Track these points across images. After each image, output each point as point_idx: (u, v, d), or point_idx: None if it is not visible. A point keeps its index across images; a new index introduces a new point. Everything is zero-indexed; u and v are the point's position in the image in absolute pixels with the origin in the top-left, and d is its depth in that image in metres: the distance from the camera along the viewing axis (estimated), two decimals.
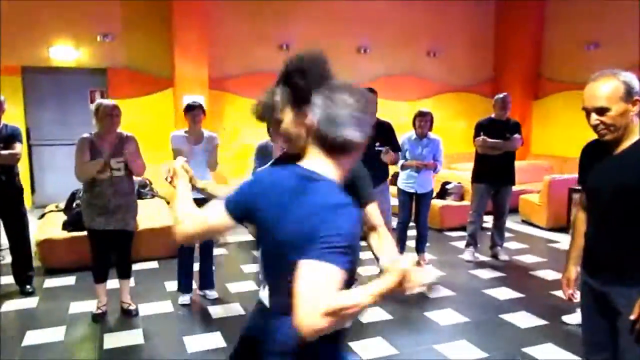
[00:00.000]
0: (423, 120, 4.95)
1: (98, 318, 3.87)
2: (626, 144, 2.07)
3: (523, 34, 9.49)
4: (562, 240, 6.21)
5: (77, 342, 3.58)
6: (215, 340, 3.55)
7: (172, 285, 4.61)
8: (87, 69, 7.81)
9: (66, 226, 5.17)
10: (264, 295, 1.61)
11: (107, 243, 3.83)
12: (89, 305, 4.09)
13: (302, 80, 1.59)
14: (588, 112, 2.11)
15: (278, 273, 1.47)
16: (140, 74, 8.01)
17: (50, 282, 4.67)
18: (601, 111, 2.05)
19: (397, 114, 8.91)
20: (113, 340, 3.54)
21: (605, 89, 2.04)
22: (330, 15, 8.83)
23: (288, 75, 1.66)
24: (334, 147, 1.44)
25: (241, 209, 1.54)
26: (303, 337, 1.24)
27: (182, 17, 7.64)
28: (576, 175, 6.50)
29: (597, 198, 2.18)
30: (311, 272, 1.27)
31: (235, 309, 4.13)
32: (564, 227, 6.57)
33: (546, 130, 9.46)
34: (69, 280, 4.74)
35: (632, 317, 1.98)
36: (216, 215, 1.57)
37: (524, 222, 7.03)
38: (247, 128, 8.09)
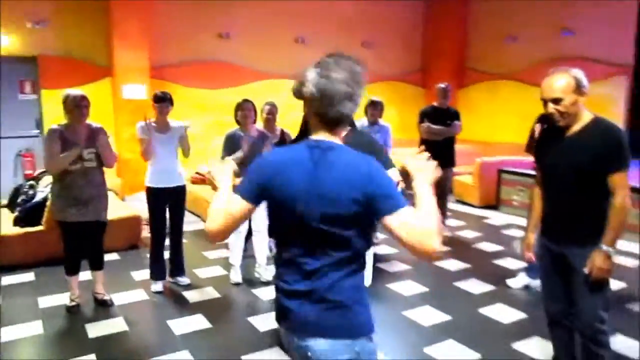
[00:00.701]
0: (375, 109, 5.31)
1: (73, 310, 3.87)
2: (576, 128, 2.49)
3: (449, 28, 10.16)
4: (493, 217, 6.89)
5: (59, 333, 3.58)
6: (199, 322, 3.70)
7: (139, 275, 4.66)
8: (16, 57, 7.42)
9: (18, 222, 5.01)
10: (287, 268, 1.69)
11: (79, 235, 3.83)
12: (59, 299, 4.07)
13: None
14: (545, 102, 2.50)
15: (326, 231, 1.57)
16: (75, 62, 7.70)
17: (8, 280, 4.54)
18: (556, 101, 2.45)
19: None
20: (96, 330, 3.57)
21: (559, 83, 2.44)
22: (269, 5, 8.95)
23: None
24: (333, 121, 1.64)
25: (257, 192, 1.66)
26: (432, 260, 1.58)
27: (121, 3, 7.46)
28: (503, 157, 7.20)
29: (553, 174, 2.60)
30: (404, 221, 1.51)
31: (210, 292, 4.28)
32: (494, 205, 7.28)
33: (470, 117, 10.17)
34: (28, 276, 4.63)
35: (585, 271, 2.43)
36: (237, 206, 1.65)
37: (458, 201, 7.66)
38: (188, 118, 8.07)
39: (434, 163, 1.77)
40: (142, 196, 5.93)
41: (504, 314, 3.81)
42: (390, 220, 1.53)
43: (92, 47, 7.72)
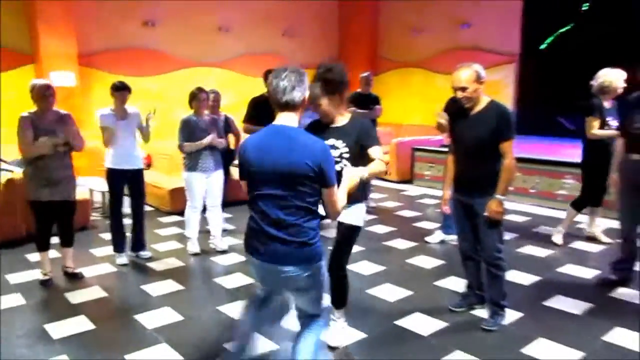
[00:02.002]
0: None
1: (47, 283, 4.19)
2: (477, 109, 3.31)
3: (363, 20, 11.03)
4: (409, 189, 7.88)
5: (42, 302, 3.91)
6: (171, 285, 4.19)
7: (99, 252, 5.03)
8: None
9: None
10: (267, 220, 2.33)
11: (51, 213, 4.16)
12: (28, 275, 4.37)
13: (331, 77, 2.68)
14: (455, 90, 3.30)
15: (291, 192, 2.25)
16: None
17: None
18: (463, 89, 3.25)
19: (257, 89, 9.79)
20: (77, 297, 3.95)
21: (465, 75, 3.25)
22: None
23: (322, 75, 2.71)
24: (288, 106, 2.31)
25: (244, 173, 2.39)
26: (333, 218, 2.40)
27: None
28: (415, 137, 8.20)
29: (462, 144, 3.42)
30: (334, 191, 2.30)
31: (173, 262, 4.75)
32: (409, 179, 8.27)
33: (385, 102, 11.11)
34: None
35: (485, 214, 3.28)
36: (244, 185, 2.44)
37: (378, 177, 8.57)
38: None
39: (360, 173, 2.66)
40: (85, 181, 6.19)
41: (426, 262, 4.68)
42: (325, 189, 2.29)
43: (12, 32, 7.55)
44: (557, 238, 5.13)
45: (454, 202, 3.55)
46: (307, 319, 2.54)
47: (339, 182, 2.39)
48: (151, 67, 9.10)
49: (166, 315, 3.63)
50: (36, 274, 4.33)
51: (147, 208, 6.35)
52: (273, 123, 2.35)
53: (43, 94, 3.97)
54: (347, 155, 2.90)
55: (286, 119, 2.32)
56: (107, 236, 5.50)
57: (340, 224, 3.03)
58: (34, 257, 4.79)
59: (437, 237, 5.26)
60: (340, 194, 2.38)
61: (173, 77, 9.45)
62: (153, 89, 8.96)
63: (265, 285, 2.53)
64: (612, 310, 3.63)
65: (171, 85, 9.43)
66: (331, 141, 2.87)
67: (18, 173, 5.43)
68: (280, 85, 2.28)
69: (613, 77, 4.46)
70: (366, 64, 11.09)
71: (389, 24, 11.07)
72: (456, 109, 3.46)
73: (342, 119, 3.00)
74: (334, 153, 2.84)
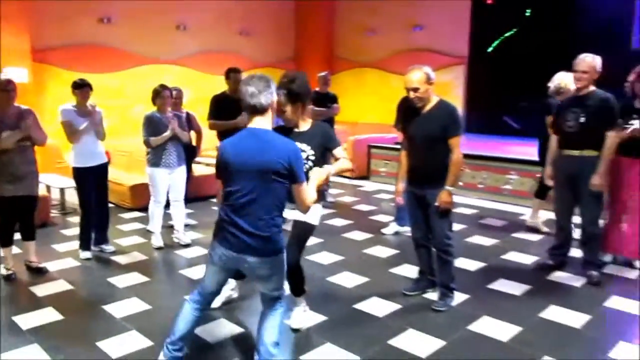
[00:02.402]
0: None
1: (11, 278, 4.21)
2: (428, 108, 3.60)
3: (318, 21, 11.28)
4: (366, 185, 8.19)
5: (8, 296, 3.93)
6: (137, 277, 4.29)
7: (62, 247, 5.06)
8: None
9: None
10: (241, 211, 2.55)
11: (14, 209, 4.18)
12: None
13: (294, 88, 2.95)
14: (407, 90, 3.58)
15: (262, 191, 2.49)
16: None
17: None
18: (415, 90, 3.53)
19: (214, 87, 9.88)
20: (43, 290, 4.00)
21: (416, 77, 3.53)
22: None
23: (286, 85, 2.96)
24: (257, 110, 2.55)
25: (221, 171, 2.62)
26: (304, 211, 2.61)
27: None
28: (371, 135, 8.50)
29: (414, 140, 3.70)
30: (304, 187, 2.54)
31: (137, 255, 4.84)
32: (365, 176, 8.59)
33: (342, 101, 11.36)
34: None
35: (436, 204, 3.58)
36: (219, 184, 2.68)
37: (339, 175, 8.83)
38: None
39: (327, 170, 2.93)
40: (43, 178, 6.14)
41: (382, 252, 4.97)
42: (296, 186, 2.55)
43: None
44: (539, 225, 5.55)
45: (408, 194, 3.83)
46: (271, 302, 2.75)
47: (307, 180, 2.64)
48: (108, 64, 9.04)
49: (134, 305, 3.75)
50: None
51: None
52: (248, 126, 2.58)
53: (4, 89, 4.00)
54: (312, 158, 3.13)
55: (259, 122, 2.56)
56: (69, 232, 5.57)
57: (297, 221, 3.25)
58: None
59: (391, 228, 5.57)
60: (310, 190, 2.63)
61: (130, 74, 9.41)
62: (110, 86, 8.89)
63: (221, 272, 2.70)
64: (548, 291, 4.01)
65: (129, 82, 9.38)
66: (297, 145, 3.08)
67: None
68: (249, 90, 2.53)
69: (568, 80, 4.81)
70: (322, 63, 11.32)
71: (344, 25, 11.37)
72: (408, 108, 3.74)
73: (305, 124, 3.21)
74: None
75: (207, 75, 10.22)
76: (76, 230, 5.35)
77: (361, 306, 3.73)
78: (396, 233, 5.51)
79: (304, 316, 3.45)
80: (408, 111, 3.78)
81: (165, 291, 4.12)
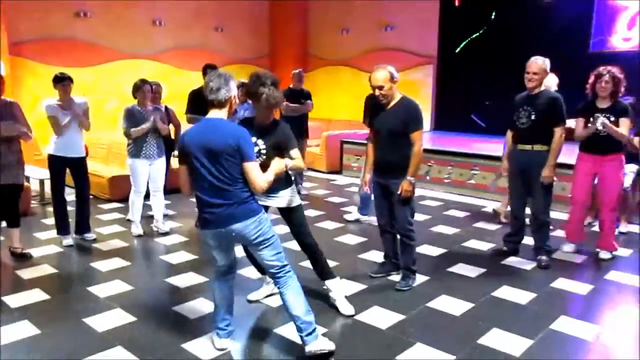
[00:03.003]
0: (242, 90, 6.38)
1: None
2: (392, 104, 3.92)
3: (293, 19, 11.51)
4: (338, 179, 8.51)
5: None
6: (118, 262, 4.51)
7: (43, 235, 5.25)
8: None
9: None
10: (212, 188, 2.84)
11: (0, 196, 4.36)
12: None
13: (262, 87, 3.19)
14: (373, 88, 3.88)
15: (220, 167, 2.78)
16: None
17: None
18: (380, 88, 3.84)
19: (189, 83, 10.10)
20: (28, 274, 4.21)
21: (380, 75, 3.83)
22: None
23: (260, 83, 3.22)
24: (213, 102, 2.84)
25: (182, 154, 2.90)
26: (258, 192, 2.86)
27: None
28: (344, 131, 8.78)
29: (379, 134, 4.02)
30: (252, 167, 2.80)
31: (117, 243, 5.05)
32: (338, 170, 8.90)
33: (315, 98, 11.62)
34: None
35: (398, 192, 3.90)
36: (182, 171, 2.96)
37: (310, 169, 9.13)
38: (50, 96, 8.26)
39: (285, 162, 3.19)
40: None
41: (351, 239, 5.29)
42: (245, 164, 2.80)
43: None
44: (502, 214, 5.93)
45: (374, 183, 4.15)
46: (277, 276, 3.00)
47: (265, 169, 2.96)
48: (84, 59, 9.13)
49: (117, 286, 3.98)
50: None
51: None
52: (206, 117, 2.88)
53: None
54: (263, 152, 3.34)
55: (215, 114, 2.87)
56: (49, 221, 5.73)
57: (282, 211, 3.57)
58: None
59: (353, 215, 5.92)
60: (267, 175, 2.93)
61: (106, 69, 9.52)
62: (86, 80, 8.99)
63: (222, 250, 3.00)
64: (501, 274, 4.38)
65: (104, 76, 9.49)
66: (253, 139, 3.26)
67: None
68: (210, 85, 2.84)
69: (549, 81, 5.16)
70: (296, 61, 11.58)
71: (318, 24, 11.65)
72: (374, 105, 4.06)
73: (268, 122, 3.41)
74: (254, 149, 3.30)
75: (182, 70, 10.40)
76: (52, 220, 5.54)
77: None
78: (357, 220, 5.86)
79: (344, 302, 3.64)
80: (374, 107, 4.09)
81: (146, 274, 4.36)
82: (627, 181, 5.53)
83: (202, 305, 3.68)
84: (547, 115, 4.35)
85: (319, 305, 3.64)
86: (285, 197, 3.50)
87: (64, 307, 3.65)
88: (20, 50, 8.33)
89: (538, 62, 4.39)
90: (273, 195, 3.45)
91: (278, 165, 3.09)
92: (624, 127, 4.50)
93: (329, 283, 3.70)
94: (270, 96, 3.22)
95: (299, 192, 7.38)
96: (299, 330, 2.98)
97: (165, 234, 5.32)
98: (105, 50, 9.46)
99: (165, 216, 5.76)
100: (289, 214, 3.59)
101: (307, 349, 2.95)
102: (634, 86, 6.52)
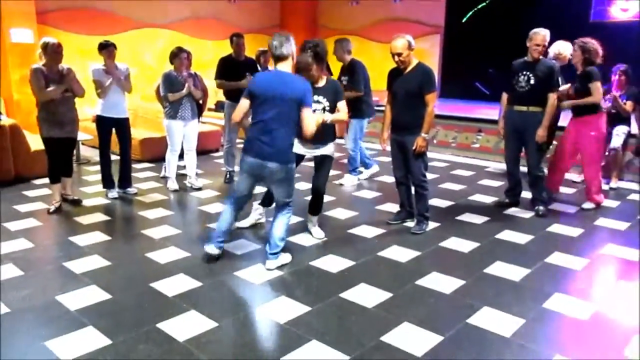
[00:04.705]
0: (265, 56, 6.82)
1: (57, 210, 4.95)
2: (409, 69, 4.40)
3: None
4: None
5: (59, 223, 4.73)
6: (162, 212, 5.05)
7: (88, 189, 5.77)
8: None
9: None
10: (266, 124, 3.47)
11: (59, 149, 4.90)
12: (33, 206, 5.11)
13: (319, 51, 3.79)
14: (392, 55, 4.36)
15: (282, 113, 3.41)
16: None
17: None
18: (399, 55, 4.32)
19: (204, 51, 10.54)
20: (87, 220, 4.76)
21: (399, 43, 4.31)
22: None
23: (313, 49, 3.81)
24: (280, 58, 3.45)
25: (250, 94, 3.49)
26: (308, 134, 3.44)
27: None
28: None
29: (396, 96, 4.51)
30: (309, 113, 3.40)
31: (157, 197, 5.58)
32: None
33: None
34: None
35: (413, 148, 4.42)
36: (244, 103, 3.51)
37: None
38: (71, 63, 8.67)
39: (324, 116, 3.88)
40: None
41: (368, 194, 5.85)
42: (304, 109, 3.41)
43: None
44: None
45: (391, 140, 4.66)
46: (282, 206, 3.72)
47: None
48: (104, 27, 9.49)
49: (166, 230, 4.54)
50: (38, 206, 5.07)
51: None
52: (275, 68, 3.50)
53: (56, 50, 4.67)
54: (328, 108, 4.05)
55: (282, 67, 3.47)
56: (90, 178, 6.30)
57: (316, 157, 4.22)
58: (31, 193, 5.52)
59: (365, 173, 6.52)
60: (310, 122, 3.49)
61: (125, 38, 9.89)
62: None
63: (249, 179, 3.65)
64: (503, 221, 4.92)
65: (123, 45, 9.80)
66: (316, 97, 3.93)
67: (6, 121, 6.00)
68: (273, 43, 3.46)
69: (564, 48, 5.61)
70: (306, 31, 11.92)
71: None
72: (393, 70, 4.54)
73: (322, 81, 4.09)
74: (318, 106, 3.99)
75: (196, 39, 10.78)
76: (95, 177, 6.12)
77: (353, 231, 4.60)
78: (370, 177, 6.44)
79: (317, 230, 4.43)
80: (392, 74, 4.57)
81: (189, 220, 4.93)
82: (618, 141, 6.07)
83: (240, 246, 4.22)
84: (544, 81, 4.82)
85: (346, 246, 4.21)
86: (330, 148, 4.19)
87: (126, 245, 4.22)
88: (45, 19, 8.70)
89: (542, 34, 4.83)
90: (322, 146, 4.13)
91: (317, 118, 3.65)
92: (595, 91, 4.94)
93: (314, 217, 4.44)
94: (299, 61, 3.82)
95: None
96: (269, 247, 3.72)
97: (199, 189, 5.85)
98: (124, 19, 9.82)
99: (196, 174, 6.28)
100: (323, 161, 4.16)
101: (267, 265, 3.72)
102: (631, 55, 7.00)
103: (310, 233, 4.43)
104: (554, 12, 8.45)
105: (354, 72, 5.90)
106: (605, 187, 6.11)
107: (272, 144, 3.44)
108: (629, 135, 6.24)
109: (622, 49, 7.74)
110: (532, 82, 4.86)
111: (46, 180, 5.21)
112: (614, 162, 6.25)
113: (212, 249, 3.80)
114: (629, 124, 6.23)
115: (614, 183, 6.20)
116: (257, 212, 4.62)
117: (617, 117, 6.16)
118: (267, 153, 3.45)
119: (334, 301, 3.28)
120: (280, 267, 3.75)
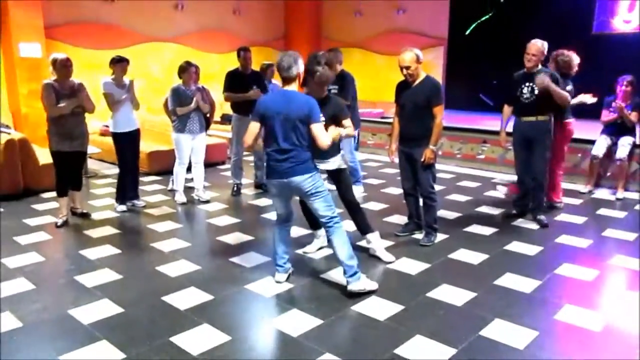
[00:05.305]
0: (271, 70, 6.88)
1: (64, 224, 4.98)
2: (417, 82, 4.44)
3: (307, 2, 11.95)
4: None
5: (67, 238, 4.74)
6: (173, 225, 5.08)
7: (96, 203, 5.81)
8: None
9: None
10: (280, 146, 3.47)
11: (68, 162, 4.95)
12: (43, 220, 5.14)
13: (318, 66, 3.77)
14: (401, 68, 4.40)
15: (290, 131, 3.42)
16: None
17: None
18: (407, 68, 4.36)
19: (210, 64, 10.61)
20: (97, 233, 4.79)
21: (408, 57, 4.35)
22: None
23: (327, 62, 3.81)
24: (287, 80, 3.48)
25: (259, 116, 3.51)
26: (322, 147, 3.44)
27: None
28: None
29: (404, 108, 4.55)
30: (319, 127, 3.39)
31: (166, 209, 5.62)
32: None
33: None
34: None
35: (422, 160, 4.44)
36: (254, 126, 3.54)
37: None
38: (78, 77, 8.75)
39: (341, 130, 3.82)
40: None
41: (376, 206, 5.86)
42: (312, 125, 3.41)
43: None
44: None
45: (399, 152, 4.69)
46: (328, 225, 3.58)
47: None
48: (111, 41, 9.60)
49: (177, 243, 4.56)
50: (47, 219, 5.11)
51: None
52: (281, 88, 3.51)
53: (65, 65, 4.73)
54: (323, 121, 3.80)
55: (288, 87, 3.51)
56: (97, 192, 6.31)
57: (331, 174, 4.18)
58: (40, 206, 5.55)
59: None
60: (327, 135, 3.52)
61: (132, 51, 9.95)
62: None
63: (281, 199, 3.66)
64: (511, 232, 4.93)
65: (130, 58, 9.81)
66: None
67: (15, 135, 6.06)
68: (282, 64, 3.47)
69: (572, 58, 5.64)
70: (310, 43, 12.05)
71: (332, 7, 12.08)
72: (401, 82, 4.58)
73: (323, 96, 4.00)
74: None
75: (202, 53, 10.89)
76: (103, 190, 6.17)
77: (362, 243, 4.58)
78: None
79: (383, 251, 4.26)
80: (400, 87, 4.61)
81: (199, 233, 4.95)
82: (624, 152, 6.10)
83: (250, 258, 4.23)
84: (547, 90, 4.83)
85: (360, 255, 4.21)
86: (336, 161, 4.11)
87: (137, 258, 4.24)
88: (53, 33, 8.81)
89: (537, 45, 4.89)
90: (326, 160, 4.05)
91: (335, 132, 3.68)
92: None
93: (370, 236, 4.27)
94: (323, 74, 3.76)
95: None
96: (344, 272, 3.55)
97: (207, 202, 5.88)
98: (130, 33, 9.94)
99: (204, 187, 6.31)
100: (338, 175, 4.16)
101: (349, 287, 3.53)
102: (634, 66, 7.03)
103: (377, 256, 4.21)
104: (556, 24, 8.51)
105: (344, 82, 5.93)
106: (611, 197, 6.14)
107: (289, 162, 3.45)
108: (634, 145, 6.27)
109: (624, 60, 7.82)
110: (536, 92, 4.89)
111: (54, 193, 5.24)
112: (620, 173, 6.27)
113: (279, 276, 3.76)
114: (634, 135, 6.26)
115: (620, 193, 6.20)
116: (317, 240, 4.47)
117: (623, 128, 6.21)
118: (286, 170, 3.47)
119: (345, 314, 3.29)
120: (291, 280, 3.76)
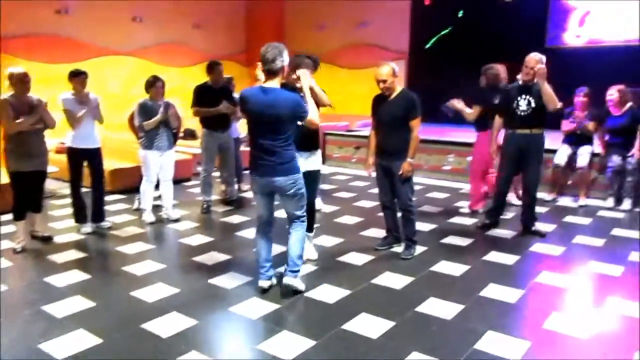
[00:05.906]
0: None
1: (22, 250, 4.66)
2: (393, 96, 4.45)
3: (268, 16, 11.92)
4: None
5: (32, 265, 4.45)
6: (142, 246, 4.85)
7: (58, 225, 5.49)
8: None
9: None
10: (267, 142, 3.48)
11: (28, 183, 4.64)
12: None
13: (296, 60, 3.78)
14: (378, 82, 4.39)
15: (275, 130, 3.42)
16: None
17: None
18: (384, 82, 4.36)
19: (170, 78, 10.31)
20: (62, 258, 4.50)
21: (384, 70, 4.35)
22: None
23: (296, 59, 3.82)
24: (271, 72, 3.43)
25: (245, 112, 3.55)
26: (315, 128, 3.65)
27: None
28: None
29: (381, 122, 4.54)
30: (309, 119, 3.51)
31: (133, 230, 5.37)
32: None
33: None
34: None
35: (399, 173, 4.43)
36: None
37: None
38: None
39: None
40: None
41: (351, 220, 5.81)
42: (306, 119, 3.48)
43: None
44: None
45: (377, 166, 4.67)
46: (294, 221, 3.70)
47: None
48: (66, 55, 9.22)
49: (150, 265, 4.34)
50: (5, 244, 4.80)
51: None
52: (263, 85, 3.48)
53: (22, 80, 4.46)
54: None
55: (270, 83, 3.45)
56: (57, 212, 6.00)
57: (305, 172, 4.03)
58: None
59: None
60: (313, 110, 3.58)
61: (90, 65, 9.55)
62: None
63: (263, 198, 3.67)
64: (488, 241, 5.00)
65: (88, 72, 9.56)
66: None
67: None
68: (266, 56, 3.42)
69: (500, 70, 5.77)
70: None
71: (294, 20, 12.09)
72: (377, 98, 4.57)
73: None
74: None
75: (162, 66, 10.61)
76: (63, 211, 5.87)
77: (343, 258, 4.53)
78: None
79: (312, 249, 4.49)
80: (377, 100, 4.60)
81: (172, 254, 4.75)
82: (584, 160, 6.35)
83: (230, 279, 4.09)
84: (542, 102, 4.90)
85: (338, 274, 4.15)
86: (313, 162, 4.28)
87: (109, 284, 4.01)
88: (3, 47, 8.38)
89: (535, 58, 4.89)
90: (308, 158, 4.18)
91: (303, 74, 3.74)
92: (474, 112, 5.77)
93: (309, 234, 4.40)
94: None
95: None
96: (288, 265, 3.73)
97: (177, 220, 5.67)
98: (87, 46, 9.61)
99: (173, 205, 6.09)
100: (311, 176, 4.18)
101: (285, 280, 3.71)
102: (587, 79, 7.30)
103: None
104: (512, 38, 8.78)
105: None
106: (574, 204, 6.34)
107: (275, 161, 3.48)
108: (593, 154, 6.51)
109: (576, 73, 8.14)
110: (533, 104, 4.95)
111: (10, 216, 4.92)
112: (582, 181, 6.49)
113: (262, 282, 3.78)
114: (592, 144, 6.51)
115: (583, 201, 6.41)
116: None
117: (582, 137, 6.45)
118: (271, 169, 3.50)
119: (337, 333, 3.20)
120: (276, 300, 3.64)
